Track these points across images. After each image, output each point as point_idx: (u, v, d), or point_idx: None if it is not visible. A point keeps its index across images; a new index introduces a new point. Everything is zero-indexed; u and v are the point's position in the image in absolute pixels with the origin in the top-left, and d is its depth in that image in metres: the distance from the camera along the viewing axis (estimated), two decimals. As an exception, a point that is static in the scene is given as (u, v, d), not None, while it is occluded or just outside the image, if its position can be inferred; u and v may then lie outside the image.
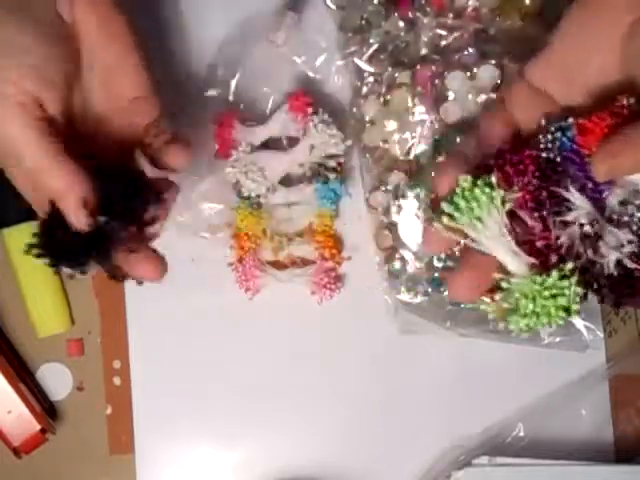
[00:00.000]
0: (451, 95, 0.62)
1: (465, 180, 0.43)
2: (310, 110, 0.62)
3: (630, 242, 0.44)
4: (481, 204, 0.43)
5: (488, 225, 0.43)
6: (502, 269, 0.44)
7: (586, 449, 0.65)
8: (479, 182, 0.43)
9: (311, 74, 0.67)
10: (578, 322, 0.64)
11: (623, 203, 0.44)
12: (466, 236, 0.44)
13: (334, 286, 0.65)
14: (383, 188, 0.64)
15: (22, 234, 0.66)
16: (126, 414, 0.66)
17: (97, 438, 0.66)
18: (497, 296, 0.44)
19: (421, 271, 0.64)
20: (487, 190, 0.43)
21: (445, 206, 0.44)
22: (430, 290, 0.64)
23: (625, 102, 0.44)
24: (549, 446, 0.65)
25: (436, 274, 0.63)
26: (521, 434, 0.65)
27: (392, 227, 0.65)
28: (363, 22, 0.64)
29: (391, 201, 0.64)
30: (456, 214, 0.43)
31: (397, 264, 0.65)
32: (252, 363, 0.66)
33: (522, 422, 0.65)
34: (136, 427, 0.66)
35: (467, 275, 0.45)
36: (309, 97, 0.62)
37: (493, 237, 0.43)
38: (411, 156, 0.64)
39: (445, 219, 0.43)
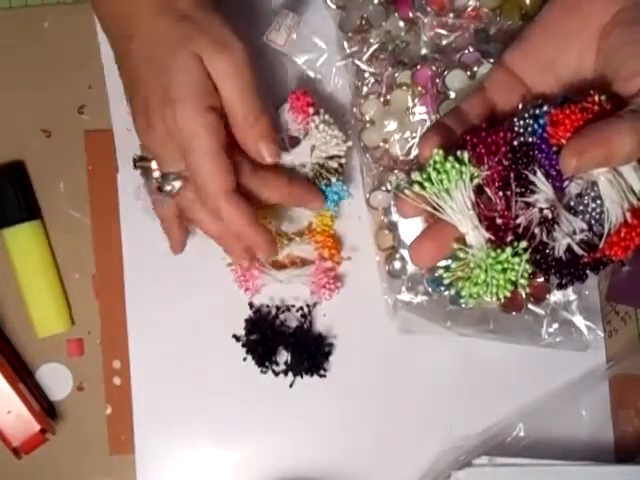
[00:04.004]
0: (451, 94, 0.62)
1: (437, 153, 0.46)
2: (311, 110, 0.62)
3: (582, 230, 0.47)
4: (450, 177, 0.46)
5: (455, 198, 0.46)
6: (461, 240, 0.47)
7: (586, 449, 0.65)
8: (450, 157, 0.46)
9: (311, 74, 0.67)
10: (579, 321, 0.64)
11: (580, 194, 0.47)
12: (433, 206, 0.47)
13: (333, 286, 0.65)
14: (383, 188, 0.64)
15: (22, 234, 0.66)
16: (126, 414, 0.66)
17: (97, 438, 0.66)
18: (453, 264, 0.47)
19: (421, 271, 0.64)
20: (457, 165, 0.46)
21: (417, 175, 0.47)
22: (430, 290, 0.64)
23: (596, 98, 0.45)
24: (549, 446, 0.65)
25: (436, 274, 0.63)
26: (521, 434, 0.65)
27: (392, 227, 0.65)
28: (363, 22, 0.64)
29: (391, 201, 0.64)
30: (426, 184, 0.46)
31: (397, 264, 0.65)
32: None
33: (522, 422, 0.65)
34: (136, 427, 0.66)
35: (428, 243, 0.49)
36: (310, 97, 0.62)
37: (458, 209, 0.46)
38: (411, 156, 0.64)
39: (416, 187, 0.47)
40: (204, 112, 0.53)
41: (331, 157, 0.62)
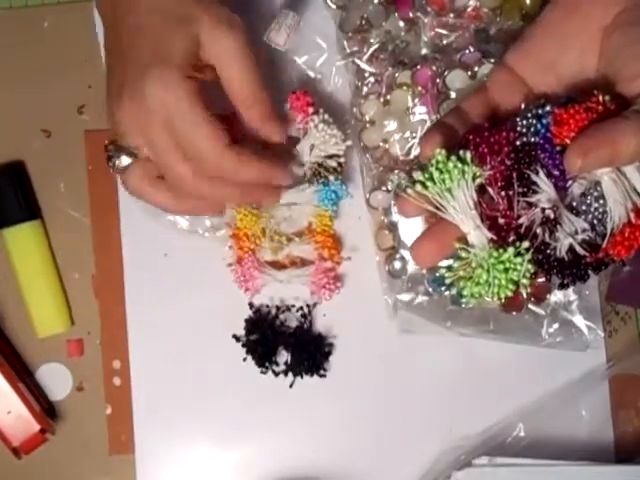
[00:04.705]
0: (452, 94, 0.62)
1: (440, 153, 0.46)
2: (311, 110, 0.62)
3: (584, 231, 0.47)
4: (453, 177, 0.46)
5: (457, 197, 0.46)
6: (463, 240, 0.47)
7: (586, 449, 0.65)
8: (452, 157, 0.46)
9: (311, 74, 0.67)
10: (579, 321, 0.64)
11: (584, 194, 0.47)
12: (435, 206, 0.47)
13: (333, 286, 0.65)
14: (383, 188, 0.64)
15: (22, 234, 0.66)
16: (126, 414, 0.66)
17: (97, 438, 0.66)
18: (455, 264, 0.47)
19: (421, 271, 0.64)
20: (460, 165, 0.46)
21: (419, 175, 0.46)
22: (430, 290, 0.64)
23: (600, 98, 0.45)
24: (549, 446, 0.65)
25: (436, 274, 0.63)
26: (521, 434, 0.65)
27: (392, 227, 0.65)
28: (363, 22, 0.64)
29: (391, 201, 0.64)
30: (429, 183, 0.46)
31: (397, 264, 0.65)
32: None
33: (522, 422, 0.65)
34: (136, 427, 0.66)
35: (430, 243, 0.49)
36: (310, 97, 0.62)
37: (460, 209, 0.46)
38: (411, 156, 0.64)
39: (418, 187, 0.46)
40: (187, 79, 0.53)
41: (330, 156, 0.62)
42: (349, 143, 0.62)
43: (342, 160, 0.63)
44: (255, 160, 0.55)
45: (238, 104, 0.56)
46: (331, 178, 0.63)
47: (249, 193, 0.58)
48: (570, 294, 0.64)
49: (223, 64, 0.54)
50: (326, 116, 0.62)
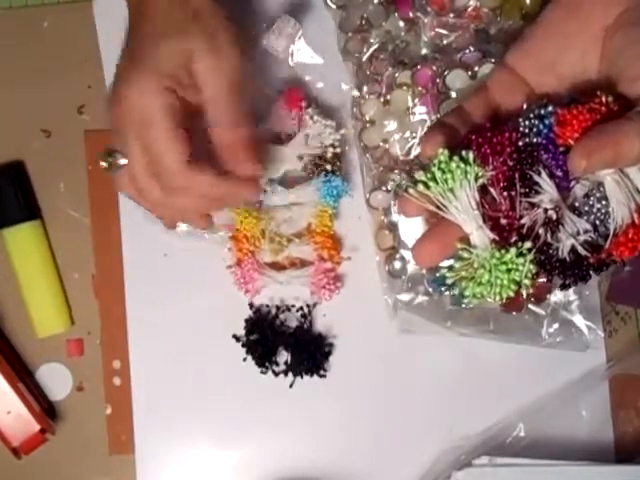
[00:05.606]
0: (452, 94, 0.62)
1: (442, 153, 0.46)
2: (304, 104, 0.63)
3: (586, 231, 0.47)
4: (455, 177, 0.46)
5: (459, 197, 0.46)
6: (465, 240, 0.47)
7: (586, 449, 0.65)
8: (455, 157, 0.46)
9: (310, 74, 0.67)
10: (579, 321, 0.64)
11: (586, 195, 0.47)
12: (437, 206, 0.47)
13: (333, 287, 0.65)
14: (383, 188, 0.64)
15: (22, 234, 0.66)
16: (126, 414, 0.66)
17: (97, 438, 0.66)
18: (457, 264, 0.47)
19: (421, 271, 0.64)
20: (462, 165, 0.46)
21: (421, 175, 0.46)
22: (430, 290, 0.64)
23: (603, 99, 0.45)
24: (549, 446, 0.65)
25: (437, 274, 0.63)
26: (521, 434, 0.65)
27: (392, 227, 0.65)
28: (363, 22, 0.64)
29: (391, 201, 0.64)
30: (431, 183, 0.46)
31: (397, 264, 0.65)
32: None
33: (522, 422, 0.65)
34: (136, 427, 0.66)
35: (432, 243, 0.49)
36: (301, 93, 0.63)
37: (462, 209, 0.46)
38: (411, 156, 0.64)
39: (420, 186, 0.46)
40: (166, 91, 0.52)
41: (326, 148, 0.63)
42: (343, 131, 0.63)
43: (338, 150, 0.63)
44: (216, 179, 0.54)
45: (213, 125, 0.55)
46: (327, 167, 0.63)
47: (216, 204, 0.57)
48: (570, 294, 0.64)
49: (209, 83, 0.54)
50: (317, 111, 0.63)
